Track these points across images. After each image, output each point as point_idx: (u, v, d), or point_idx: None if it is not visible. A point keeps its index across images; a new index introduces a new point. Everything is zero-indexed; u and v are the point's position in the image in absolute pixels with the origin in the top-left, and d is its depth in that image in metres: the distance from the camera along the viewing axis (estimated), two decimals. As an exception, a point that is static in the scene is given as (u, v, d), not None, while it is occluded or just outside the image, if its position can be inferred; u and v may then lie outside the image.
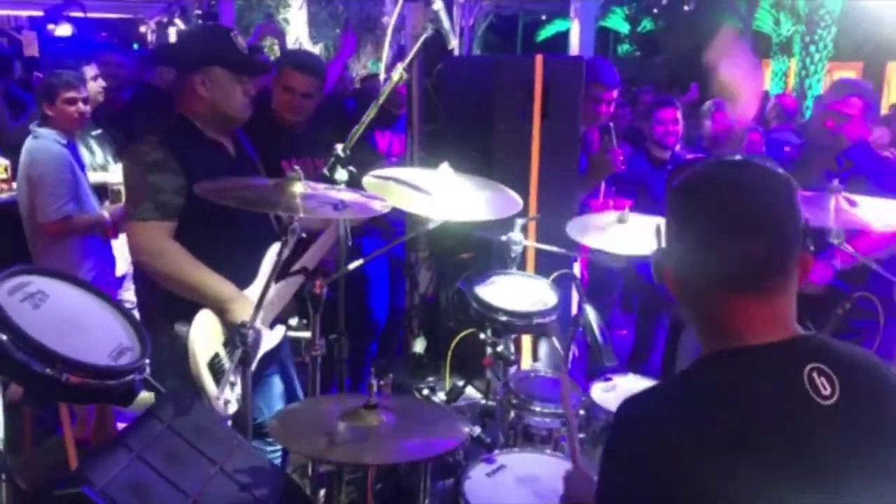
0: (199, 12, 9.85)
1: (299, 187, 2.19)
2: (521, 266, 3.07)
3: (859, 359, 1.28)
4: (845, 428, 1.18)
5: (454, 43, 2.49)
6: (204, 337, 2.41)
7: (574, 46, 11.49)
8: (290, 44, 10.71)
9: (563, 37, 16.55)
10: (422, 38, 2.40)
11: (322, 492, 2.24)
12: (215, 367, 2.43)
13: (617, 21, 17.87)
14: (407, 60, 2.44)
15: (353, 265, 2.64)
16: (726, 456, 1.13)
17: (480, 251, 3.42)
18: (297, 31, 13.37)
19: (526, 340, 3.40)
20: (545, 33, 18.56)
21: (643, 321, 4.61)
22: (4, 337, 1.52)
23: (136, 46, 13.40)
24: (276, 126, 3.40)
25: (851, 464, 1.17)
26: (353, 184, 2.56)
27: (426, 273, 3.99)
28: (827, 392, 1.18)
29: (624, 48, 18.24)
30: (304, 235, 2.61)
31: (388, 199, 2.36)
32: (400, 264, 4.09)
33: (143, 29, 15.19)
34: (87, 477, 1.44)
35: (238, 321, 2.43)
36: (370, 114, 2.52)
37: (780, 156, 3.59)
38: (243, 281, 2.57)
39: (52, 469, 3.64)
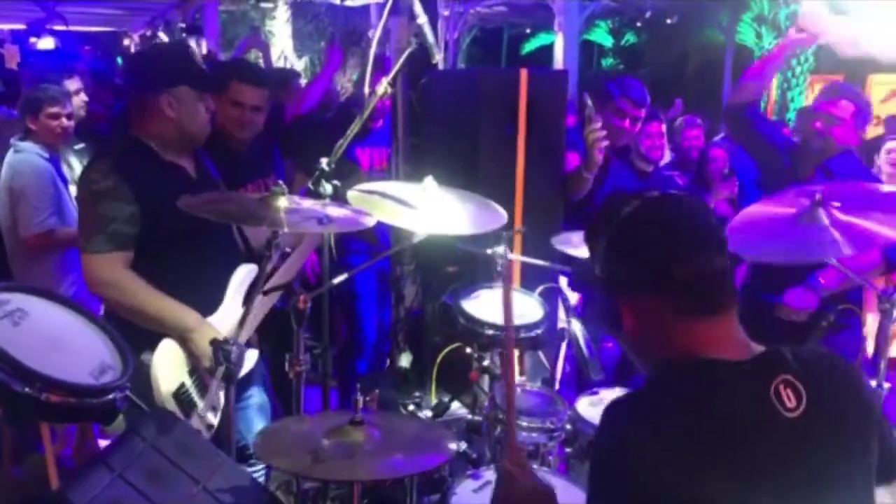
0: (183, 25, 9.82)
1: (283, 202, 2.17)
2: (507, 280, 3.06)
3: (826, 367, 1.31)
4: (807, 440, 1.21)
5: (438, 57, 2.50)
6: (168, 366, 2.37)
7: (558, 60, 11.54)
8: (275, 57, 10.72)
9: (548, 50, 16.65)
10: (406, 52, 2.41)
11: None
12: (181, 397, 2.39)
13: (601, 35, 18.00)
14: (392, 74, 2.44)
15: (337, 279, 2.63)
16: (696, 463, 1.15)
17: (466, 264, 3.41)
18: (282, 44, 13.36)
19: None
20: (529, 46, 18.64)
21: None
22: (-20, 354, 1.48)
23: (119, 60, 13.34)
24: (228, 149, 3.15)
25: (812, 475, 1.20)
26: (338, 198, 2.55)
27: (411, 286, 3.98)
28: (792, 405, 1.21)
29: (608, 62, 18.36)
30: (287, 250, 2.62)
31: (373, 212, 2.35)
32: (387, 278, 4.08)
33: (126, 42, 15.17)
34: (68, 497, 1.41)
35: (200, 349, 2.40)
36: (354, 128, 2.52)
37: (781, 140, 3.51)
38: (208, 306, 2.52)
39: (31, 487, 3.60)
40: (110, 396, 1.66)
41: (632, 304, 1.28)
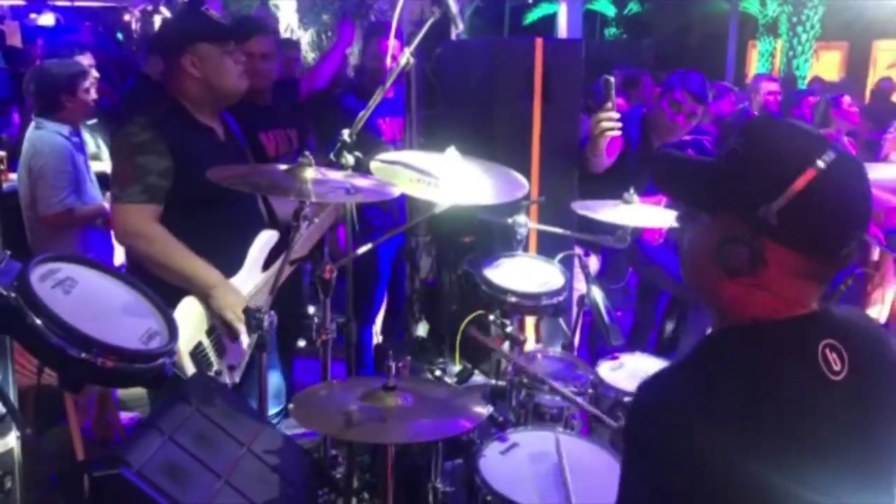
0: (186, -1, 9.74)
1: (311, 173, 2.21)
2: (524, 248, 3.10)
3: (868, 332, 1.29)
4: (852, 404, 1.19)
5: (461, 27, 2.50)
6: (187, 325, 2.40)
7: (562, 29, 11.45)
8: (282, 30, 10.67)
9: (550, 20, 16.50)
10: (429, 23, 2.42)
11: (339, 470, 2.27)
12: (198, 355, 2.44)
13: (604, 4, 17.84)
14: (413, 45, 2.45)
15: (362, 249, 2.66)
16: (745, 433, 1.12)
17: (482, 234, 3.44)
18: (287, 17, 13.28)
19: (529, 322, 3.44)
20: (532, 17, 18.49)
21: (642, 300, 4.64)
22: (39, 322, 1.53)
23: (120, 36, 13.28)
24: (243, 101, 3.18)
25: (852, 439, 1.18)
26: (360, 169, 2.58)
27: (426, 258, 4.02)
28: (837, 368, 1.19)
29: (611, 31, 18.23)
30: (316, 220, 2.65)
31: (395, 183, 2.38)
32: (402, 250, 4.11)
33: (126, 17, 15.06)
34: (124, 458, 1.46)
35: (222, 307, 2.45)
36: (377, 98, 2.53)
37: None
38: (229, 268, 2.57)
39: (56, 460, 3.67)
40: (160, 361, 1.71)
41: (778, 253, 1.18)
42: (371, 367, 4.13)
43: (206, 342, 2.47)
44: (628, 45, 16.88)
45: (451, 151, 2.62)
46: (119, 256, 4.18)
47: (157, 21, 11.13)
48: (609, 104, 3.17)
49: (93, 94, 3.85)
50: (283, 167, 2.25)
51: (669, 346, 4.75)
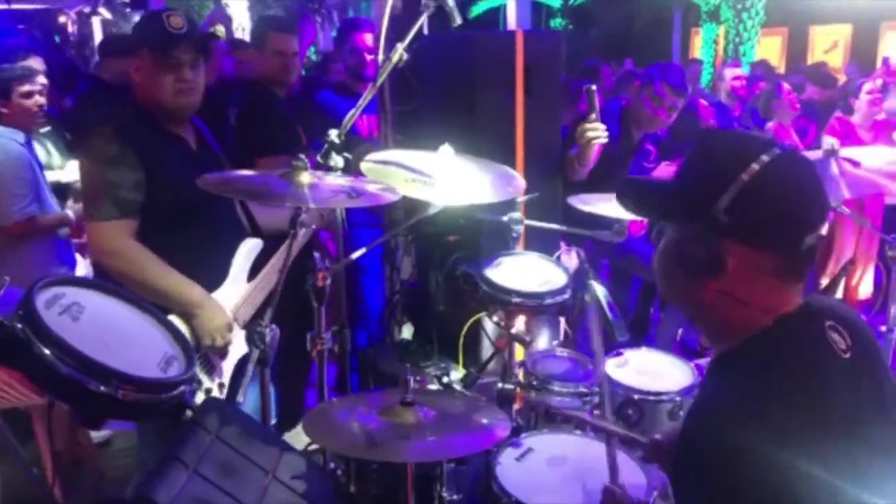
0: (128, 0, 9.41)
1: (306, 177, 2.10)
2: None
3: (848, 313, 1.34)
4: (860, 378, 1.23)
5: (459, 21, 2.42)
6: None
7: (511, 21, 11.43)
8: (235, 29, 10.39)
9: (494, 13, 16.45)
10: (424, 16, 2.32)
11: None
12: None
13: (548, -5, 17.91)
14: (407, 40, 2.36)
15: (355, 254, 2.56)
16: (802, 433, 1.12)
17: (467, 233, 3.36)
18: (239, 17, 12.97)
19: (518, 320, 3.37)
20: (477, 10, 18.44)
21: (615, 288, 4.61)
22: (48, 352, 1.39)
23: (57, 39, 12.81)
24: (275, 96, 3.58)
25: (866, 412, 1.21)
26: (349, 170, 2.48)
27: (407, 258, 3.92)
28: (843, 346, 1.23)
29: (556, 22, 18.25)
30: (313, 227, 2.54)
31: (390, 184, 2.28)
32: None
33: (62, 19, 14.55)
34: (153, 498, 1.34)
35: (205, 331, 2.34)
36: (367, 97, 2.43)
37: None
38: (212, 280, 2.46)
39: (24, 485, 3.48)
40: (180, 389, 1.58)
41: (737, 252, 1.20)
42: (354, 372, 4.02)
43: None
44: (574, 36, 16.94)
45: (446, 149, 2.54)
46: (81, 270, 3.99)
47: (96, 23, 10.73)
48: (593, 115, 3.17)
49: (37, 100, 3.62)
50: (278, 172, 2.13)
51: (639, 332, 4.76)
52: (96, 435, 3.94)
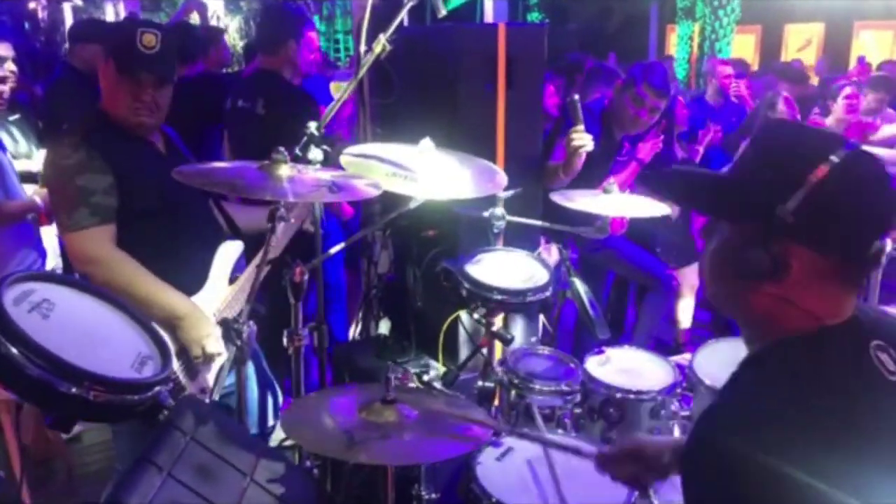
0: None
1: (286, 170, 2.05)
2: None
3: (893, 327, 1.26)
4: None
5: (444, 12, 2.38)
6: None
7: (488, 14, 11.38)
8: (210, 17, 10.21)
9: (471, 7, 16.39)
10: (407, 6, 2.28)
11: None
12: None
13: (525, -12, 17.88)
14: (390, 31, 2.31)
15: (334, 249, 2.52)
16: (819, 451, 1.06)
17: (445, 228, 3.32)
18: (214, 5, 12.80)
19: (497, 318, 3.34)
20: (452, 3, 18.37)
21: (588, 283, 4.59)
22: (15, 351, 1.33)
23: (27, 25, 12.55)
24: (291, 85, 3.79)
25: None
26: (328, 163, 2.44)
27: (384, 252, 3.87)
28: (892, 367, 1.16)
29: (533, 16, 18.23)
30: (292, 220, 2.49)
31: (371, 178, 2.24)
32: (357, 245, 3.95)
33: (32, 5, 14.24)
34: (126, 503, 1.29)
35: (190, 340, 2.28)
36: (349, 88, 2.39)
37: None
38: (191, 283, 2.41)
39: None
40: (155, 391, 1.52)
41: (801, 255, 1.13)
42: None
43: (176, 365, 2.28)
44: (553, 32, 16.94)
45: (426, 143, 2.50)
46: (51, 261, 3.90)
47: (67, 9, 10.53)
48: (580, 126, 3.13)
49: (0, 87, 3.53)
50: (257, 164, 2.08)
51: (616, 333, 4.75)
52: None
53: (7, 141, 3.91)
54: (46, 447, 3.67)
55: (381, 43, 2.32)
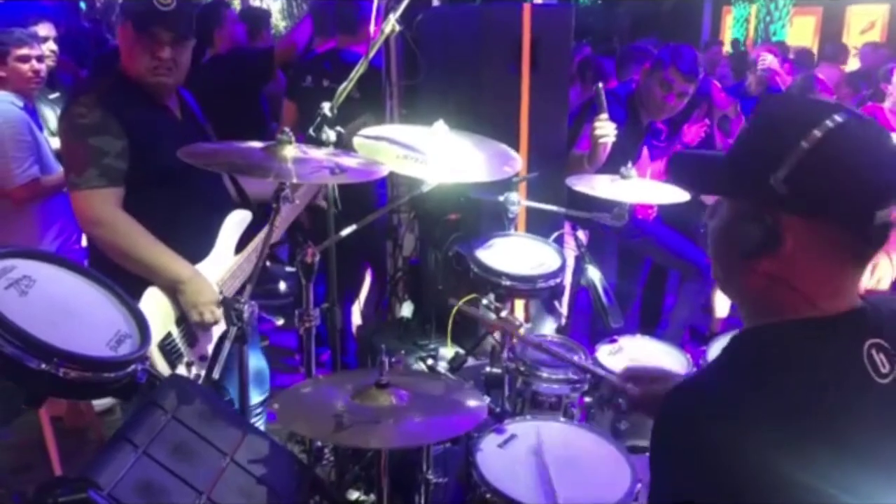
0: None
1: (291, 151, 2.05)
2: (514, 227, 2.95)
3: None
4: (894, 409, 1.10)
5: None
6: (155, 316, 2.24)
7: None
8: (252, -1, 10.34)
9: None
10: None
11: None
12: (167, 347, 2.29)
13: (577, -31, 17.58)
14: (399, 11, 2.28)
15: (345, 231, 2.51)
16: (783, 438, 1.04)
17: (468, 212, 3.29)
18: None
19: (518, 303, 3.31)
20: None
21: (622, 274, 4.53)
22: (-12, 329, 1.35)
23: (83, 5, 12.77)
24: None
25: (887, 449, 1.09)
26: (341, 145, 2.42)
27: (409, 235, 3.86)
28: (885, 370, 1.10)
29: (585, -2, 17.98)
30: (297, 201, 2.49)
31: (380, 160, 2.22)
32: (383, 227, 3.95)
33: (88, -15, 14.51)
34: (94, 480, 1.31)
35: (191, 305, 2.30)
36: (359, 70, 2.37)
37: None
38: (197, 251, 2.43)
39: (26, 451, 3.50)
40: (131, 369, 1.54)
41: (796, 227, 1.09)
42: (352, 353, 3.98)
43: (176, 332, 2.31)
44: (603, 12, 16.63)
45: (440, 125, 2.46)
46: (87, 237, 3.99)
47: (121, -11, 10.67)
48: (604, 114, 3.07)
49: (34, 65, 3.59)
50: (262, 145, 2.08)
51: (651, 320, 4.68)
52: (98, 403, 3.95)
53: (50, 116, 4.00)
54: (78, 418, 3.76)
55: (391, 23, 2.28)
